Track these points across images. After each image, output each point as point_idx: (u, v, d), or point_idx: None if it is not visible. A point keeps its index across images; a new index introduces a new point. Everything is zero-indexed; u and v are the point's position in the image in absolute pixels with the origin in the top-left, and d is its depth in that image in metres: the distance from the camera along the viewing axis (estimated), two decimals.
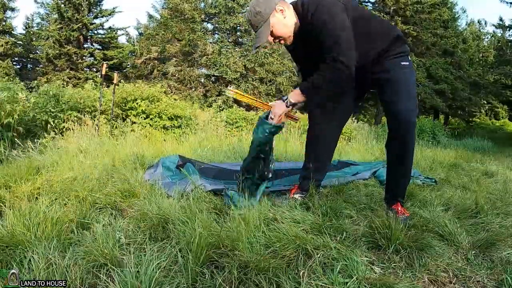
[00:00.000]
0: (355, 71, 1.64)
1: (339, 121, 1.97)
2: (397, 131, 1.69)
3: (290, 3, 1.72)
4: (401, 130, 1.67)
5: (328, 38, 1.58)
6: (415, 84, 1.79)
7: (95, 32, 18.48)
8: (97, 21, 18.11)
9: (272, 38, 1.69)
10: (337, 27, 1.57)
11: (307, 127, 2.00)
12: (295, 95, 1.70)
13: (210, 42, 14.21)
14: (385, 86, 1.72)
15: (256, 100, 1.94)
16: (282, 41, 1.72)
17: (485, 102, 21.16)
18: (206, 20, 14.79)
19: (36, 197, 1.74)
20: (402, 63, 1.72)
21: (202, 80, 14.44)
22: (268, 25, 1.62)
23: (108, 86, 6.20)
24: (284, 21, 1.64)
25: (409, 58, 1.78)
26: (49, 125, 3.64)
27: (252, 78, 13.37)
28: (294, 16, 1.67)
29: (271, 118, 1.74)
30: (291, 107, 1.73)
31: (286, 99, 1.71)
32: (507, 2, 13.80)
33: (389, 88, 1.71)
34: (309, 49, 1.74)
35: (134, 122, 5.05)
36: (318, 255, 1.18)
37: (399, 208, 1.70)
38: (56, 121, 3.93)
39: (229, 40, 14.26)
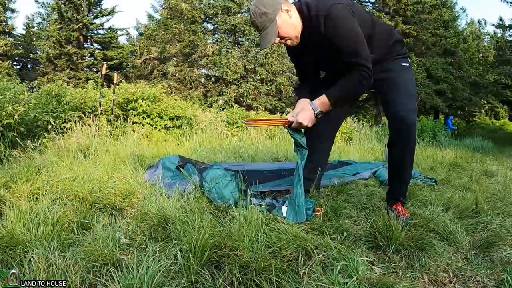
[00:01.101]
0: None
1: (336, 123, 1.96)
2: (397, 131, 1.69)
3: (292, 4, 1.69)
4: (401, 130, 1.67)
5: (347, 45, 1.54)
6: (415, 84, 1.81)
7: (95, 32, 18.51)
8: (97, 21, 18.13)
9: (279, 38, 1.61)
10: (353, 33, 1.53)
11: None
12: (324, 104, 1.60)
13: (210, 42, 14.22)
14: (385, 87, 1.73)
15: (273, 119, 2.00)
16: (288, 42, 1.64)
17: (485, 102, 21.19)
18: (206, 20, 14.80)
19: (36, 197, 1.74)
20: (403, 63, 1.76)
21: (202, 80, 14.45)
22: (275, 26, 1.54)
23: (108, 86, 6.19)
24: (291, 21, 1.58)
25: (409, 60, 1.81)
26: (49, 125, 3.64)
27: (253, 79, 13.37)
28: (298, 17, 1.62)
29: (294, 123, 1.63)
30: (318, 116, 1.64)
31: (316, 109, 1.60)
32: (507, 2, 13.80)
33: (389, 88, 1.71)
34: (314, 51, 1.69)
35: (135, 122, 5.04)
36: (318, 255, 1.18)
37: (400, 208, 1.70)
38: (57, 121, 3.93)
39: (229, 40, 14.27)
